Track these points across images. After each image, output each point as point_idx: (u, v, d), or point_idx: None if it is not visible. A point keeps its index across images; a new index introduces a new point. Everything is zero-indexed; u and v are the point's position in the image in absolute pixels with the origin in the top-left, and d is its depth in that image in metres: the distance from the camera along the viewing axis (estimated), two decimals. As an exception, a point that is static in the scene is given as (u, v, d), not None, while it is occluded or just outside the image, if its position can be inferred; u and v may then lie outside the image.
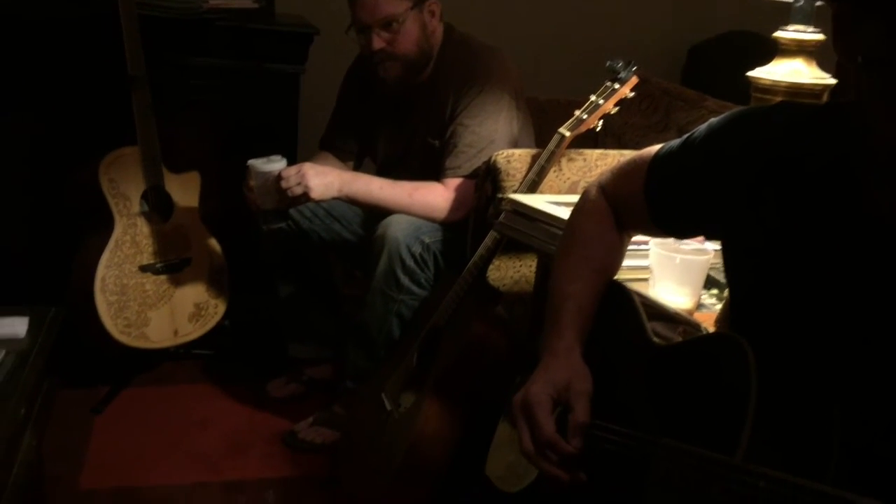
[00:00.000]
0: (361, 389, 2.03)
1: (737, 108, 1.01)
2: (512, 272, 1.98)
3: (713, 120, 1.01)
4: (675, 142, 1.06)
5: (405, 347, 1.92)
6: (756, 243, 0.92)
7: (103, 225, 2.20)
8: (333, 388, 2.21)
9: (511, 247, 1.89)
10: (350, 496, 1.87)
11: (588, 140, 1.95)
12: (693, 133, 1.03)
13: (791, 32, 1.63)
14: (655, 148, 1.10)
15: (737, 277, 0.98)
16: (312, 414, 2.16)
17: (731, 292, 1.01)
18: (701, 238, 1.35)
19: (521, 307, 1.98)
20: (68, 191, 2.27)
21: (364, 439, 1.91)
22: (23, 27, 2.35)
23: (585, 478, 0.96)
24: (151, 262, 2.26)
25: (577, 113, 1.80)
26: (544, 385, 1.01)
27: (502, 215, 1.72)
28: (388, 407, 1.85)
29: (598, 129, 1.81)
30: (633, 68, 1.79)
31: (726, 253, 1.00)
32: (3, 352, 1.39)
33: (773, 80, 1.62)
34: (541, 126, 2.29)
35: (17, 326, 1.51)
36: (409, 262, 1.93)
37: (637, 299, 1.08)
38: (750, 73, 1.65)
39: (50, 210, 2.43)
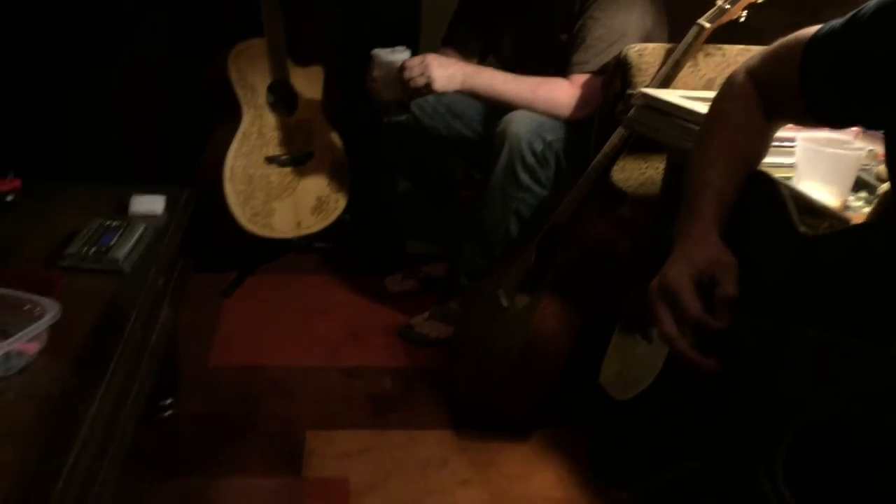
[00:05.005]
0: (477, 287, 2.04)
1: (914, -19, 0.90)
2: (637, 174, 1.91)
3: None
4: (837, 21, 0.97)
5: (522, 246, 1.90)
6: None
7: (232, 115, 2.25)
8: (448, 286, 2.23)
9: (637, 147, 1.81)
10: (462, 390, 1.90)
11: (725, 38, 1.82)
12: (860, 10, 0.94)
13: None
14: (812, 29, 1.01)
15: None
16: (428, 309, 2.19)
17: (894, 186, 0.93)
18: (857, 131, 1.25)
19: (645, 211, 1.92)
20: (203, 80, 2.33)
21: (478, 336, 1.93)
22: None
23: (720, 368, 0.93)
24: (277, 153, 2.31)
25: (720, 3, 1.68)
26: (683, 266, 0.96)
27: (632, 110, 1.65)
28: (505, 304, 1.85)
29: (741, 19, 1.69)
30: (786, -47, 1.65)
31: (892, 142, 0.91)
32: (143, 226, 1.47)
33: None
34: (673, 24, 2.16)
35: (155, 204, 1.59)
36: (530, 159, 1.89)
37: (784, 190, 1.01)
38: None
39: (185, 98, 2.50)
